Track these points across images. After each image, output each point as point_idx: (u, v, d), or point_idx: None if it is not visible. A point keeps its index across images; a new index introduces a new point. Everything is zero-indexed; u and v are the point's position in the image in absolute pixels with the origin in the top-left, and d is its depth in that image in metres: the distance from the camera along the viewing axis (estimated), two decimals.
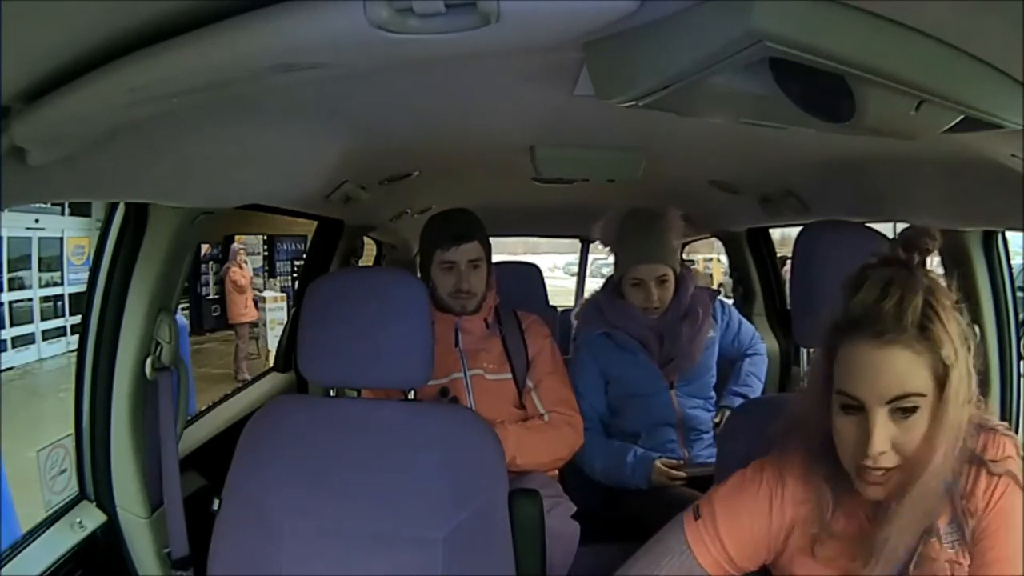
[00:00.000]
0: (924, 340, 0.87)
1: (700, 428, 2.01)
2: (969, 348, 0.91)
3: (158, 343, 1.38)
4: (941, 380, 0.88)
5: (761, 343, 2.21)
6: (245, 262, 8.90)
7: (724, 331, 2.13)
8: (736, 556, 1.04)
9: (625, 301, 2.03)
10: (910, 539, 0.93)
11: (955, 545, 0.94)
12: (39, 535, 1.28)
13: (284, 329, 2.82)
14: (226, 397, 2.15)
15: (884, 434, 0.87)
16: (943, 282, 0.92)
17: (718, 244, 3.24)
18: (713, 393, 2.10)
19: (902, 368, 0.87)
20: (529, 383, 1.82)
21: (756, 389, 2.11)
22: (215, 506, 1.26)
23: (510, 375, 1.81)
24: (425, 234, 1.85)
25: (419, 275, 1.87)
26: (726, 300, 2.25)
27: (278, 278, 10.39)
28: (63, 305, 8.08)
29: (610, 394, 2.04)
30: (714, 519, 1.05)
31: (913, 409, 0.87)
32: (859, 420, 0.89)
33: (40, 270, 7.96)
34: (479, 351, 1.81)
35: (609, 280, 2.15)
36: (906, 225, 1.11)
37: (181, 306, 2.02)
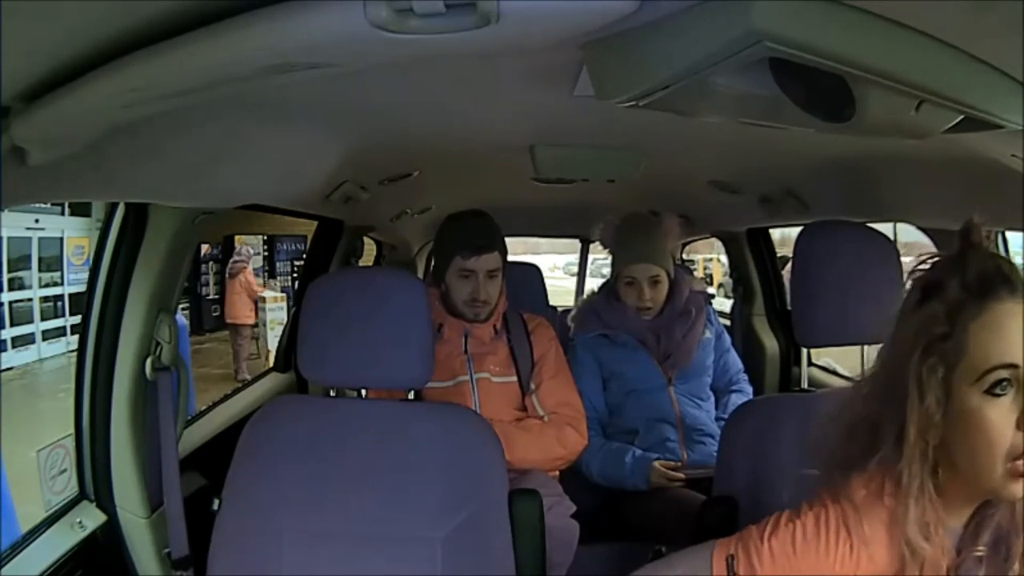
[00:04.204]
0: None
1: (701, 430, 2.01)
2: None
3: (158, 343, 1.37)
4: None
5: (747, 382, 2.21)
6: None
7: (716, 340, 2.16)
8: None
9: (621, 303, 2.08)
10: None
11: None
12: (39, 535, 1.28)
13: (284, 329, 2.82)
14: (226, 397, 2.15)
15: None
16: None
17: (718, 244, 3.23)
18: (711, 394, 2.11)
19: None
20: (532, 385, 1.82)
21: None
22: (215, 506, 1.26)
23: (515, 378, 1.82)
24: (444, 238, 1.82)
25: (424, 276, 1.86)
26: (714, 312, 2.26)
27: (278, 278, 10.38)
28: (63, 305, 8.07)
29: (610, 392, 2.06)
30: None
31: None
32: (1013, 397, 0.74)
33: (40, 270, 7.96)
34: (486, 354, 1.81)
35: (605, 284, 2.20)
36: (906, 225, 1.11)
37: (181, 306, 2.01)
